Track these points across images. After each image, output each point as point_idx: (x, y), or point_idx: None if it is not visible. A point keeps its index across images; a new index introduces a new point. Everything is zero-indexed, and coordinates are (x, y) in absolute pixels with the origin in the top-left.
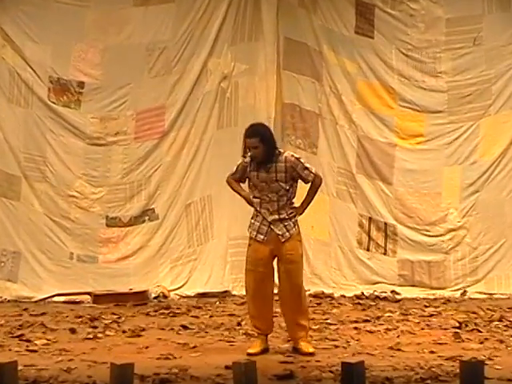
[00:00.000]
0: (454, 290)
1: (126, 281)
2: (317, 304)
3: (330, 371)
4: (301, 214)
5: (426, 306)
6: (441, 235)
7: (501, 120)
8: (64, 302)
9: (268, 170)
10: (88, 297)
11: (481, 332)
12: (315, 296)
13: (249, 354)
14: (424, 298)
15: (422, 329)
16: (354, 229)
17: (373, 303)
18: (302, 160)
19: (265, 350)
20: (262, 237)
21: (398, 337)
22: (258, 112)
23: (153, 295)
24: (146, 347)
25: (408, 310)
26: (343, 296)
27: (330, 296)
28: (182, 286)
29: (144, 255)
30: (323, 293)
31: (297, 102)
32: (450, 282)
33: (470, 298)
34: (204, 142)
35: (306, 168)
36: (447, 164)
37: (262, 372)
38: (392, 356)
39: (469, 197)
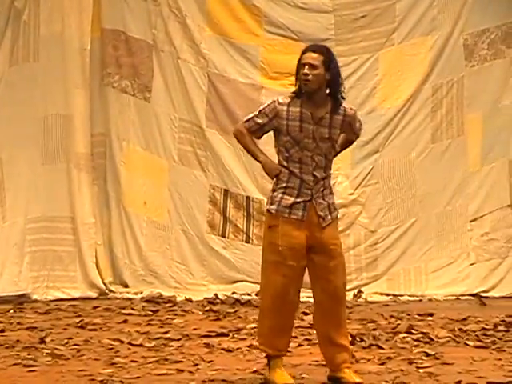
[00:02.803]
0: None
1: None
2: (152, 312)
3: None
4: None
5: (304, 314)
6: None
7: (408, 51)
8: None
9: (320, 121)
10: None
11: (382, 349)
12: (149, 301)
13: None
14: (302, 302)
15: (300, 345)
16: (203, 206)
17: (231, 310)
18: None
19: None
20: (300, 213)
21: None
22: (67, 42)
23: None
24: None
25: None
26: (189, 300)
27: (171, 300)
28: None
29: None
30: (161, 296)
31: (122, 28)
32: None
33: (367, 302)
34: None
35: (359, 120)
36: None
37: None
38: None
39: (364, 160)
